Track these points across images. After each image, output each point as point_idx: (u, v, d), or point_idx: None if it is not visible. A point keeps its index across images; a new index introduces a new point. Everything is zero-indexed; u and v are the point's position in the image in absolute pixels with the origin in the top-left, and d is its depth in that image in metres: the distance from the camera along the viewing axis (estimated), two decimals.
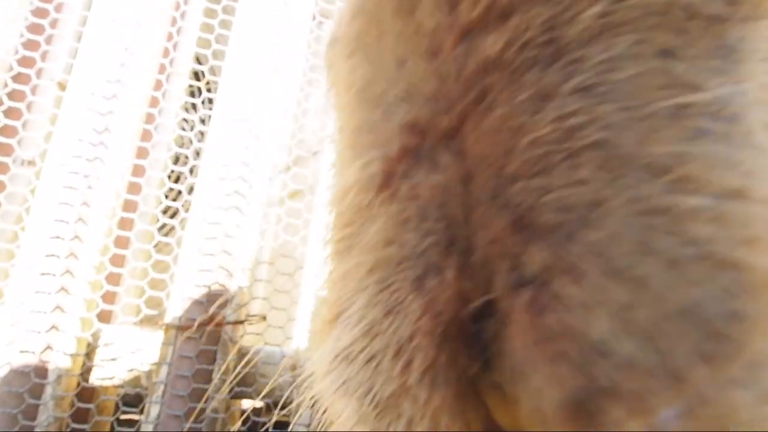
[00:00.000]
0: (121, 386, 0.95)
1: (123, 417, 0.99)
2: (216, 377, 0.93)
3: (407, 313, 0.20)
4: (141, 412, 0.95)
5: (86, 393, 0.92)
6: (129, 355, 0.95)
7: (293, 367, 0.99)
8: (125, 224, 0.96)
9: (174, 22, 1.04)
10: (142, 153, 0.98)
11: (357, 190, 0.22)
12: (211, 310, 0.93)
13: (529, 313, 0.18)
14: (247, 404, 1.04)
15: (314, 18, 1.13)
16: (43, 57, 0.97)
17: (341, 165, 0.24)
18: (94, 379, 0.94)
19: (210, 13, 1.05)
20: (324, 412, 0.25)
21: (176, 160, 1.03)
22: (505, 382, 0.19)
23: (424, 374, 0.20)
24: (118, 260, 0.95)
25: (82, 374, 0.92)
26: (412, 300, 0.20)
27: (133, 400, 0.97)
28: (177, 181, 1.01)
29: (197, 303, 0.94)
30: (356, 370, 0.21)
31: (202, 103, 1.04)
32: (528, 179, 0.18)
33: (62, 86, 0.98)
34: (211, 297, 0.94)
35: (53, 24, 0.98)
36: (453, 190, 0.20)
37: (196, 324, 0.91)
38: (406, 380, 0.20)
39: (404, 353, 0.20)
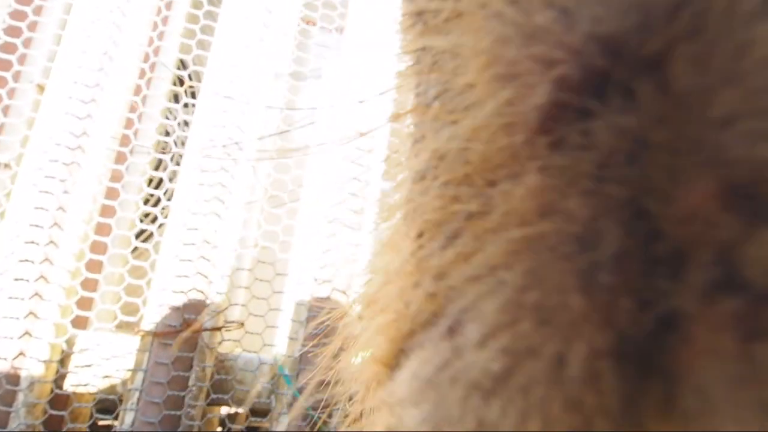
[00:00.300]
0: (95, 393, 0.94)
1: (100, 423, 0.98)
2: (192, 384, 0.92)
3: (574, 323, 0.13)
4: (116, 419, 0.94)
5: (60, 400, 0.91)
6: (104, 361, 0.94)
7: (272, 375, 0.99)
8: (102, 229, 0.95)
9: (155, 26, 1.03)
10: (120, 158, 0.97)
11: (499, 128, 0.14)
12: (188, 316, 0.92)
13: (734, 335, 0.12)
14: (225, 411, 1.03)
15: (298, 25, 1.14)
16: (21, 60, 0.96)
17: (464, 94, 0.16)
18: (68, 386, 0.93)
19: (192, 18, 1.04)
20: None
21: (156, 166, 1.03)
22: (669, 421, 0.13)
23: (608, 420, 0.13)
24: (94, 266, 0.94)
25: (55, 381, 0.91)
26: (579, 304, 0.13)
27: (109, 406, 0.96)
28: (157, 186, 1.01)
29: (175, 309, 0.93)
30: (496, 410, 0.13)
31: (184, 106, 1.04)
32: (751, 119, 0.12)
33: (40, 89, 0.97)
34: (188, 303, 0.93)
35: (31, 27, 0.97)
36: (647, 139, 0.13)
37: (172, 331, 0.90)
38: (581, 429, 0.13)
39: (575, 387, 0.13)
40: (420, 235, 0.16)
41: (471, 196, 0.15)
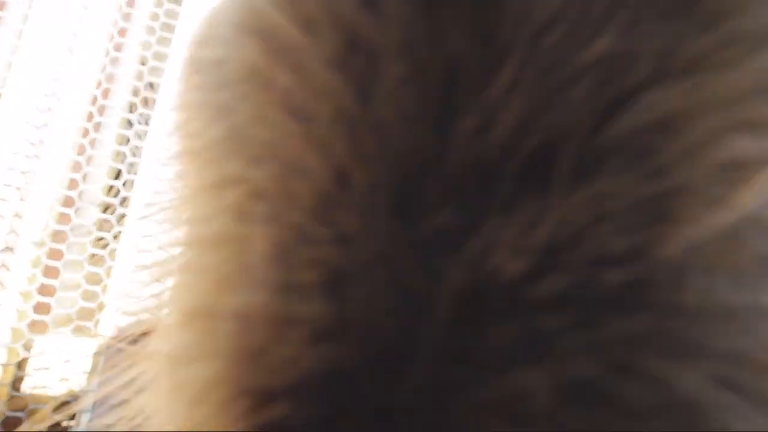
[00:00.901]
0: (52, 396, 0.97)
1: (63, 424, 1.00)
2: None
3: None
4: (72, 419, 0.97)
5: (17, 402, 0.94)
6: (61, 364, 0.97)
7: None
8: (58, 237, 0.97)
9: (111, 37, 1.05)
10: (77, 167, 1.00)
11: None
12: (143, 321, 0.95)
13: None
14: None
15: None
16: None
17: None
18: (26, 389, 0.95)
19: (149, 30, 1.07)
20: None
21: (116, 175, 1.05)
22: None
23: None
24: (50, 272, 0.97)
25: (13, 383, 0.93)
26: None
27: (66, 409, 0.98)
28: (116, 195, 1.03)
29: (130, 314, 0.96)
30: None
31: (139, 116, 1.06)
32: None
33: None
34: (144, 309, 0.96)
35: None
36: None
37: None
38: None
39: None
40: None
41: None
